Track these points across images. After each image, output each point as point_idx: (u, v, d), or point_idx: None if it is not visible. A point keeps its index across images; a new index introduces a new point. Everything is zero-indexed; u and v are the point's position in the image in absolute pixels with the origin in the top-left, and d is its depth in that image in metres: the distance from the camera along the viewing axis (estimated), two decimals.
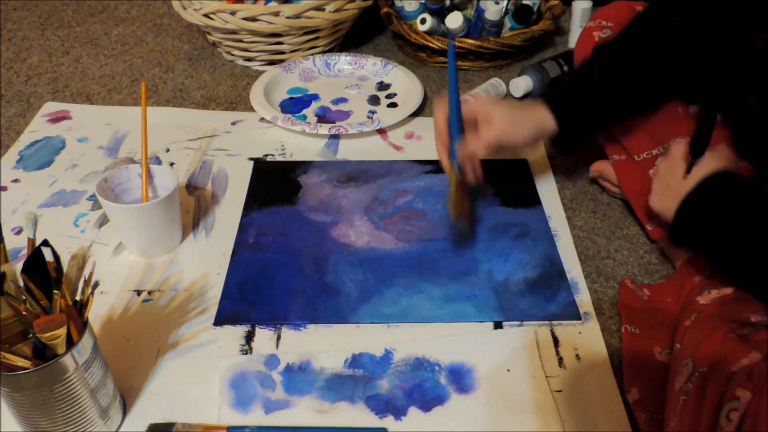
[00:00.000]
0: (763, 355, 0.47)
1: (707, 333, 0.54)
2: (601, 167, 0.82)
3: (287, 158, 0.91)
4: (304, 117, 0.99)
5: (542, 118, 0.71)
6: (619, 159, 0.79)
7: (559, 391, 0.60)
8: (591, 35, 0.82)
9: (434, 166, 0.88)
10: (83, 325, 0.50)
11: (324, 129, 0.92)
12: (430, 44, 1.09)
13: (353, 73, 1.11)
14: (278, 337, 0.65)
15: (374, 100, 1.03)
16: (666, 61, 0.70)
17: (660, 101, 0.74)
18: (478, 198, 0.82)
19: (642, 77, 0.71)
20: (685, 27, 0.68)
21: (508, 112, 0.70)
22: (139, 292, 0.70)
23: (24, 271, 0.50)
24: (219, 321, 0.66)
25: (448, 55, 0.70)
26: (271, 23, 1.03)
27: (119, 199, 0.73)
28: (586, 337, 0.65)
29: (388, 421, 0.57)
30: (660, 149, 0.74)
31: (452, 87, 0.70)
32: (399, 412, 0.58)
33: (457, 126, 0.70)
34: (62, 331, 0.47)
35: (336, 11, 1.06)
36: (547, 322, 0.66)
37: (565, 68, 1.05)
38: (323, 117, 0.99)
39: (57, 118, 0.98)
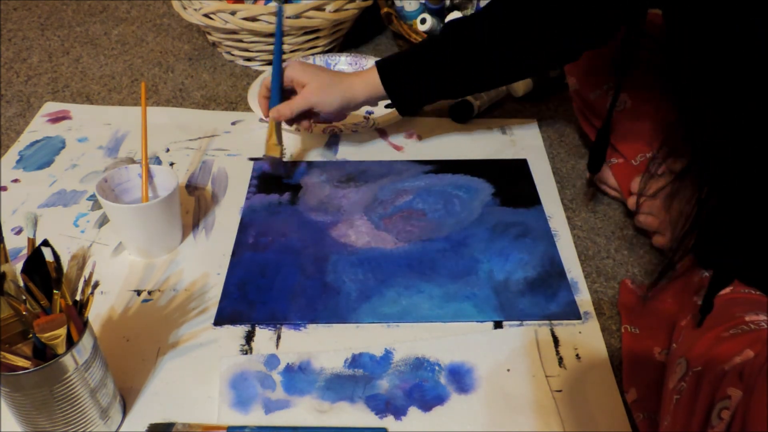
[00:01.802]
0: (756, 354, 0.47)
1: (701, 332, 0.54)
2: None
3: (287, 158, 0.91)
4: None
5: (354, 87, 0.79)
6: (617, 162, 0.79)
7: (559, 391, 0.60)
8: None
9: (434, 166, 0.88)
10: (83, 325, 0.50)
11: (319, 129, 0.92)
12: None
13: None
14: (278, 337, 0.65)
15: None
16: (507, 43, 0.74)
17: (495, 81, 0.80)
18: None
19: (478, 55, 0.75)
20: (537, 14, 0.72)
21: (318, 78, 0.79)
22: (139, 292, 0.70)
23: (24, 271, 0.50)
24: (219, 321, 0.66)
25: (276, 20, 0.82)
26: (271, 23, 1.03)
27: (119, 199, 0.73)
28: (586, 337, 0.65)
29: (388, 421, 0.57)
30: (656, 153, 0.75)
31: (276, 49, 0.80)
32: (399, 412, 0.58)
33: (277, 86, 0.80)
34: (62, 331, 0.47)
35: (336, 11, 1.06)
36: (547, 322, 0.66)
37: None
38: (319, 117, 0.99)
39: (57, 118, 0.98)
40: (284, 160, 0.83)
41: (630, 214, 0.81)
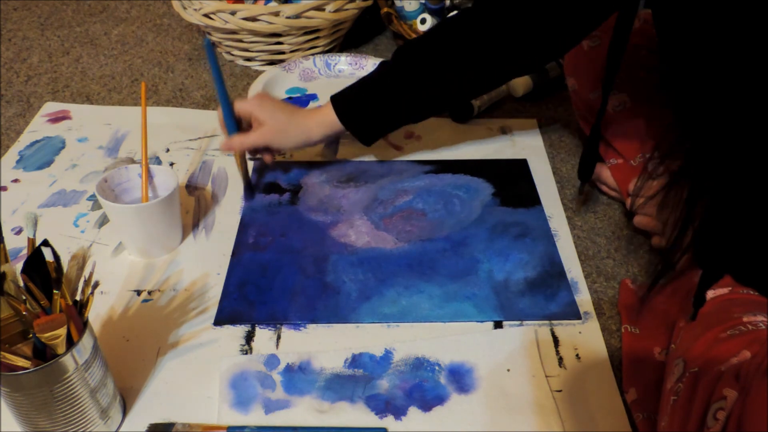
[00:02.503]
0: (753, 355, 0.47)
1: (699, 333, 0.54)
2: (598, 170, 0.83)
3: (287, 158, 0.91)
4: None
5: (310, 128, 0.78)
6: (616, 163, 0.79)
7: (559, 391, 0.60)
8: (580, 45, 0.83)
9: (434, 166, 0.88)
10: (83, 325, 0.50)
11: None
12: None
13: (353, 74, 1.11)
14: (278, 337, 0.65)
15: None
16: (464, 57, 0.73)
17: (452, 98, 0.79)
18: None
19: (435, 73, 0.75)
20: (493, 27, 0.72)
21: (274, 119, 0.77)
22: (139, 292, 0.70)
23: (24, 271, 0.50)
24: (219, 321, 0.66)
25: (207, 55, 0.76)
26: (271, 23, 1.03)
27: (119, 199, 0.73)
28: (586, 337, 0.65)
29: (388, 421, 0.57)
30: (655, 153, 0.75)
31: (218, 86, 0.75)
32: (399, 412, 0.58)
33: (229, 118, 0.77)
34: (62, 331, 0.47)
35: (336, 11, 1.07)
36: (547, 322, 0.66)
37: None
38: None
39: (57, 118, 0.98)
40: (252, 184, 0.83)
41: (630, 215, 0.81)
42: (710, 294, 0.61)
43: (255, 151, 0.82)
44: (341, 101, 0.78)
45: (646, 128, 0.77)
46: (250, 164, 0.86)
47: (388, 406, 0.58)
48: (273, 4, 1.06)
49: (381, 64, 0.79)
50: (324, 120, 0.78)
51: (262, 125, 0.77)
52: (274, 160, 0.84)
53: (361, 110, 0.78)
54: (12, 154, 0.90)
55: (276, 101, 0.80)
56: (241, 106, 0.78)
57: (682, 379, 0.50)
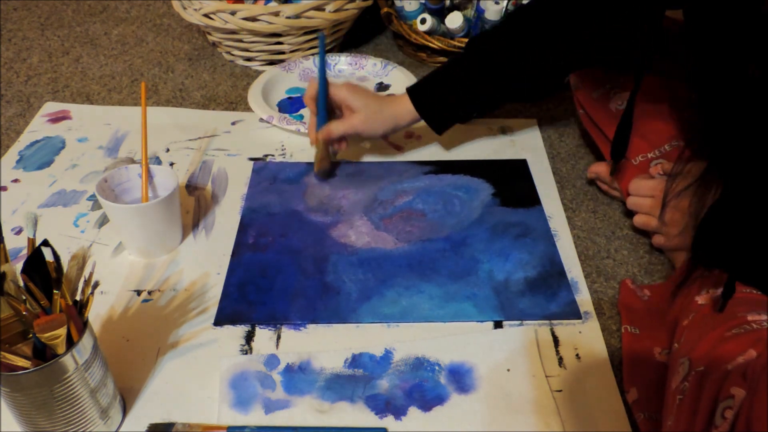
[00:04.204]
0: (759, 353, 0.47)
1: (704, 332, 0.54)
2: (598, 169, 0.83)
3: (287, 158, 0.91)
4: (302, 117, 0.99)
5: (398, 114, 0.83)
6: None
7: (559, 391, 0.60)
8: None
9: (434, 167, 0.88)
10: (83, 325, 0.50)
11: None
12: (430, 44, 1.09)
13: (353, 74, 1.11)
14: (278, 337, 0.65)
15: None
16: (541, 47, 0.77)
17: (522, 90, 0.83)
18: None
19: (512, 67, 0.78)
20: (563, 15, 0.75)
21: (368, 107, 0.81)
22: (139, 292, 0.70)
23: (24, 271, 0.50)
24: (219, 321, 0.66)
25: (319, 45, 0.85)
26: (271, 23, 1.03)
27: (119, 199, 0.73)
28: (586, 337, 0.65)
29: (388, 421, 0.57)
30: (656, 153, 0.75)
31: (321, 72, 0.82)
32: (399, 412, 0.58)
33: (323, 106, 0.83)
34: (62, 331, 0.47)
35: (336, 11, 1.06)
36: (547, 322, 0.66)
37: None
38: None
39: (57, 118, 0.98)
40: (332, 162, 0.88)
41: (630, 214, 0.81)
42: (713, 293, 0.61)
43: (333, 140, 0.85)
44: (416, 91, 0.82)
45: (648, 129, 0.77)
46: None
47: (388, 406, 0.58)
48: (273, 4, 1.06)
49: (453, 56, 0.83)
50: (407, 108, 0.82)
51: (355, 112, 0.81)
52: (344, 148, 0.87)
53: (436, 100, 0.82)
54: (12, 154, 0.90)
55: (366, 90, 0.85)
56: (336, 93, 0.82)
57: (688, 378, 0.50)
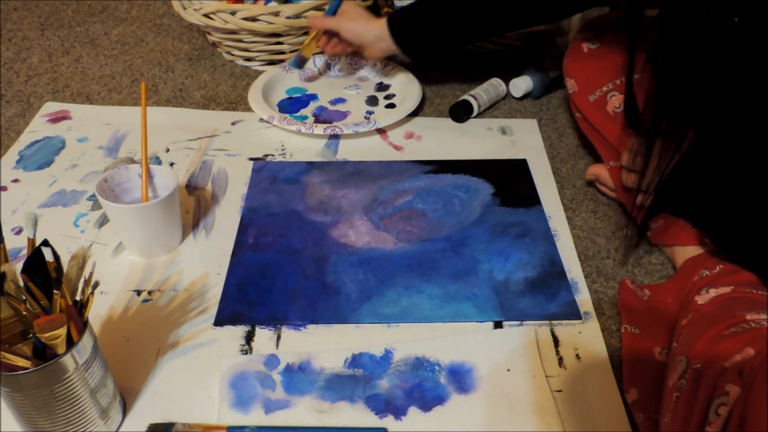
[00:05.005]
0: (757, 352, 0.47)
1: (702, 330, 0.54)
2: (597, 170, 0.83)
3: (287, 158, 0.91)
4: (305, 117, 0.99)
5: (373, 27, 0.91)
6: (615, 165, 0.79)
7: (559, 391, 0.60)
8: (580, 47, 0.84)
9: (434, 167, 0.88)
10: (83, 325, 0.50)
11: (320, 129, 0.92)
12: None
13: (353, 74, 1.11)
14: (278, 337, 0.65)
15: (372, 100, 1.03)
16: None
17: (500, 26, 0.88)
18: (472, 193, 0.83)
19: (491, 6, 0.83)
20: None
21: (353, 10, 0.94)
22: (139, 292, 0.70)
23: (24, 271, 0.50)
24: (219, 321, 0.66)
25: None
26: (271, 23, 1.03)
27: (119, 199, 0.73)
28: (586, 337, 0.65)
29: (388, 421, 0.57)
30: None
31: None
32: (399, 412, 0.58)
33: (334, 8, 0.97)
34: (62, 331, 0.47)
35: None
36: (547, 322, 0.66)
37: None
38: (319, 117, 0.99)
39: (57, 118, 0.98)
40: (310, 58, 1.04)
41: (629, 215, 0.81)
42: (713, 293, 0.61)
43: (329, 42, 0.98)
44: (395, 17, 0.90)
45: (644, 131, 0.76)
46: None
47: (388, 406, 0.58)
48: (273, 4, 1.06)
49: None
50: (383, 29, 0.90)
51: (343, 13, 0.94)
52: (334, 52, 0.99)
53: (412, 27, 0.89)
54: (12, 154, 0.90)
55: (363, 9, 0.95)
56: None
57: (684, 376, 0.51)
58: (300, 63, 1.03)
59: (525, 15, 0.84)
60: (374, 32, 0.91)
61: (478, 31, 0.87)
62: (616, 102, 0.80)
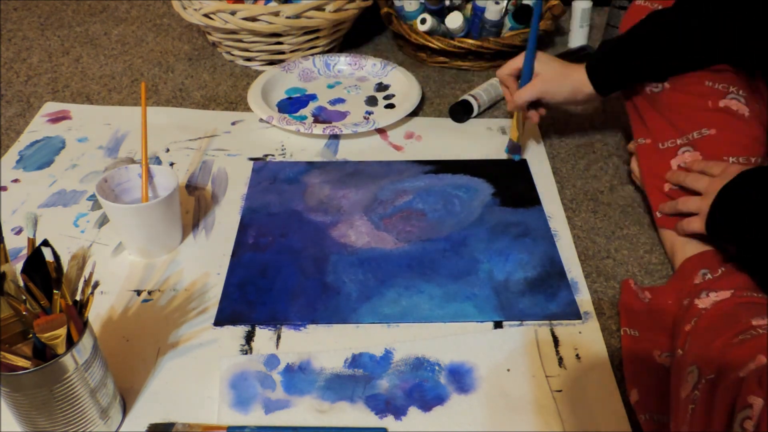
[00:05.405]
0: None
1: (710, 339, 0.54)
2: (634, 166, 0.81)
3: (287, 158, 0.91)
4: (305, 117, 0.99)
5: (579, 82, 0.80)
6: (644, 143, 0.77)
7: (559, 391, 0.60)
8: (640, 11, 0.80)
9: (434, 167, 0.88)
10: (83, 325, 0.50)
11: (319, 129, 0.92)
12: (430, 44, 1.09)
13: (353, 74, 1.11)
14: (278, 337, 0.65)
15: (372, 101, 1.03)
16: (718, 27, 0.71)
17: (703, 65, 0.76)
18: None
19: (688, 43, 0.73)
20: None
21: (551, 69, 0.82)
22: (139, 292, 0.70)
23: (24, 271, 0.50)
24: (219, 321, 0.66)
25: (534, 14, 0.84)
26: (271, 23, 1.03)
27: (119, 199, 0.73)
28: (586, 337, 0.65)
29: (388, 421, 0.57)
30: (684, 140, 0.73)
31: (531, 44, 0.83)
32: (399, 412, 0.58)
33: (529, 73, 0.84)
34: (62, 331, 0.47)
35: (336, 11, 1.06)
36: (547, 322, 0.66)
37: None
38: (318, 117, 0.99)
39: (57, 118, 0.98)
40: (518, 143, 0.91)
41: (629, 215, 0.81)
42: (713, 296, 0.61)
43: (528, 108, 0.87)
44: (591, 65, 0.80)
45: (683, 117, 0.74)
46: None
47: (388, 406, 0.58)
48: (273, 4, 1.06)
49: (628, 30, 0.78)
50: (582, 77, 0.80)
51: (537, 75, 0.82)
52: (537, 119, 0.88)
53: (610, 72, 0.79)
54: (12, 154, 0.90)
55: (553, 57, 0.84)
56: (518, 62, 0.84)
57: (698, 387, 0.50)
58: (514, 149, 0.91)
59: (716, 52, 0.74)
60: (575, 86, 0.81)
61: (676, 69, 0.77)
62: (654, 85, 0.78)
